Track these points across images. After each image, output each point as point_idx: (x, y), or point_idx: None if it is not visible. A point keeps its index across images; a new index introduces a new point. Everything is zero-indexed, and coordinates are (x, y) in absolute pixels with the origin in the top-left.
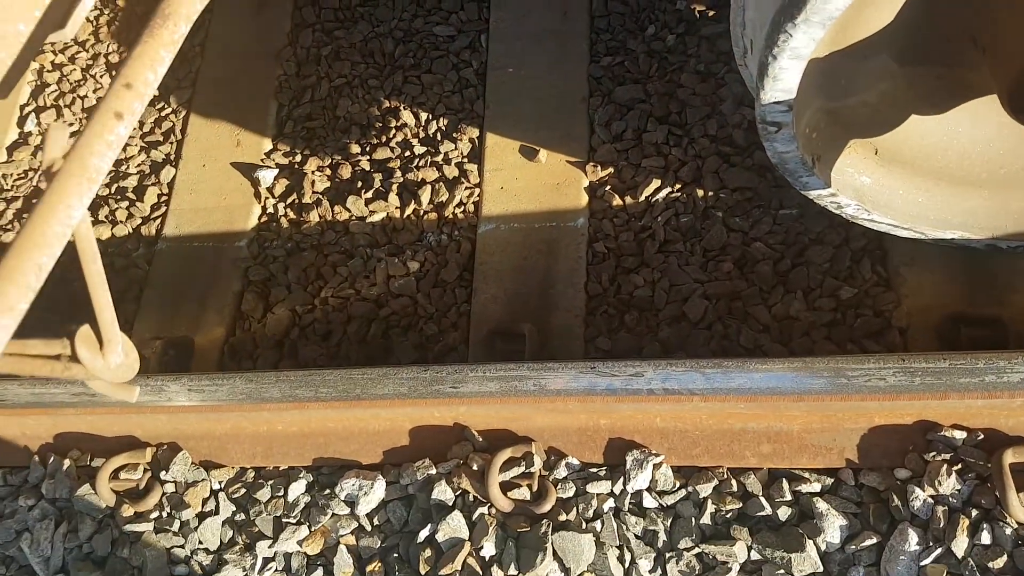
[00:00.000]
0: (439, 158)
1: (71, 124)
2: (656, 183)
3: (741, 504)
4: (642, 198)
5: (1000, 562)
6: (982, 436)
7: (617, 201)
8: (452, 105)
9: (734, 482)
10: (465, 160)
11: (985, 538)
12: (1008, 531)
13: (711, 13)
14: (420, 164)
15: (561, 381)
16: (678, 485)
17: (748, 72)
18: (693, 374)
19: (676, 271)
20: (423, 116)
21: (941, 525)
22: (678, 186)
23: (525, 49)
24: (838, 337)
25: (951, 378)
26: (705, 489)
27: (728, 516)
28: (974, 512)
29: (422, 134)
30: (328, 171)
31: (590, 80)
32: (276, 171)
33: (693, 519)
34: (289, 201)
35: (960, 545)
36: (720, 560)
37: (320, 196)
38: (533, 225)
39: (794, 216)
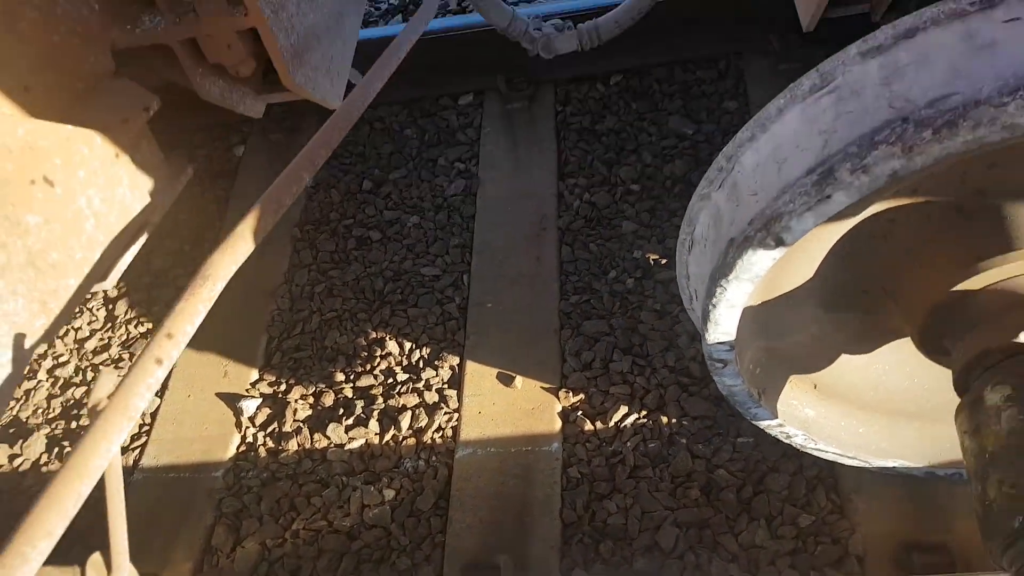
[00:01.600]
0: (420, 384)
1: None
2: (624, 409)
3: None
4: (611, 423)
5: None
6: None
7: (588, 426)
8: (435, 336)
9: None
10: (445, 386)
11: None
12: None
13: (663, 261)
14: (402, 390)
15: None
16: None
17: (695, 315)
18: None
19: (647, 498)
20: (407, 345)
21: None
22: (644, 412)
23: (503, 288)
24: (801, 566)
25: None
26: None
27: None
28: None
29: (405, 362)
30: (311, 399)
31: (560, 315)
32: (259, 400)
33: None
34: (269, 430)
35: None
36: None
37: (301, 424)
38: (509, 450)
39: (751, 444)
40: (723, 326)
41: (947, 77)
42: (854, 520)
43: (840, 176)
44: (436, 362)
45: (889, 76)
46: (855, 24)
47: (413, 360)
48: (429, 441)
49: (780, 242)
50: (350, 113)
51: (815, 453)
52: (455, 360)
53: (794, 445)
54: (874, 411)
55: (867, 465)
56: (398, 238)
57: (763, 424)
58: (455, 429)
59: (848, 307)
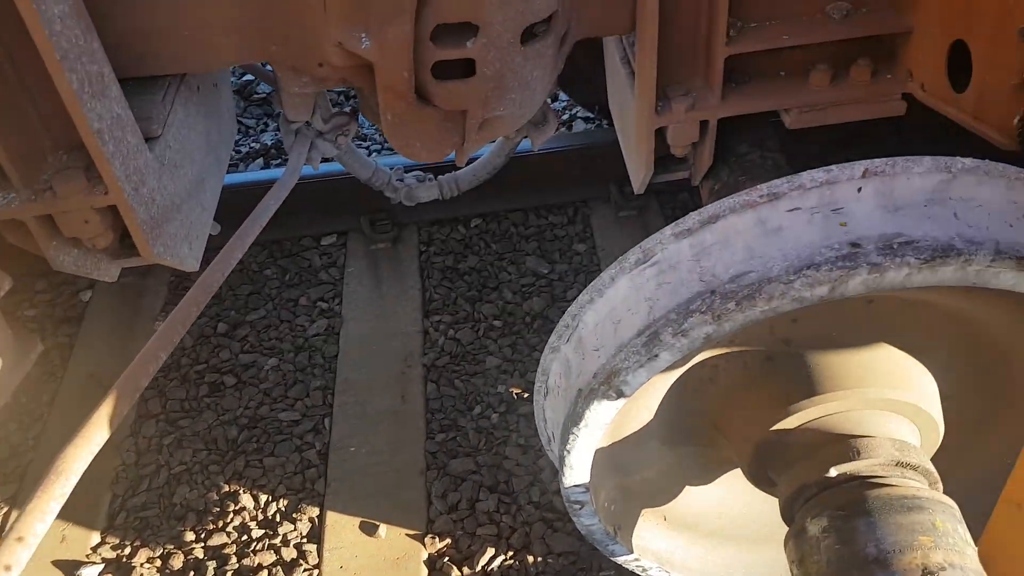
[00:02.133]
0: (277, 540)
1: None
2: (490, 551)
3: None
4: (478, 568)
5: None
6: None
7: (455, 573)
8: (293, 486)
9: None
10: (304, 540)
11: None
12: None
13: (525, 395)
14: (257, 548)
15: None
16: None
17: (554, 456)
18: None
19: None
20: (263, 498)
21: None
22: (511, 553)
23: (367, 429)
24: None
25: None
26: None
27: None
28: None
29: (261, 517)
30: (158, 562)
31: (427, 455)
32: (101, 567)
33: None
34: None
35: None
36: None
37: None
38: None
39: (611, 574)
40: (577, 470)
41: (745, 256)
42: None
43: (664, 339)
44: (294, 515)
45: (699, 254)
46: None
47: (269, 514)
48: None
49: (620, 394)
50: (208, 288)
51: None
52: (315, 511)
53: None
54: (720, 538)
55: None
56: (255, 382)
57: (620, 560)
58: None
59: (686, 442)
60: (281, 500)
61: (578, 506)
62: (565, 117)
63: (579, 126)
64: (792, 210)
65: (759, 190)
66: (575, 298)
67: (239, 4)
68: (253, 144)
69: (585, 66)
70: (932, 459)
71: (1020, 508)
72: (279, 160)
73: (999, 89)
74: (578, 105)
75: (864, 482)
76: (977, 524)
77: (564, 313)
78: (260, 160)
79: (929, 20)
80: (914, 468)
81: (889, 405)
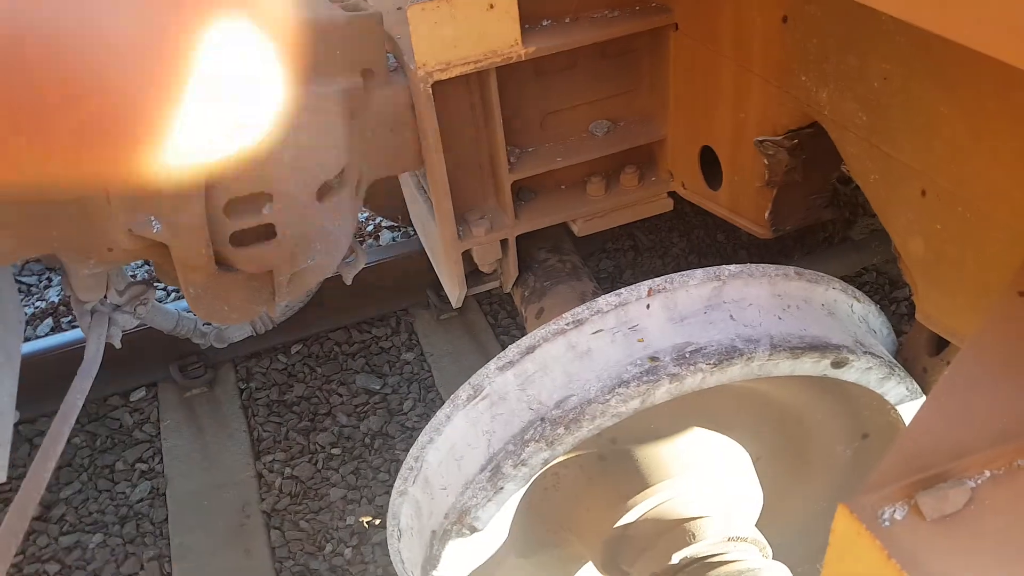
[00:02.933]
0: None
1: None
2: None
3: None
4: None
5: None
6: None
7: None
8: None
9: None
10: None
11: None
12: None
13: (376, 522)
14: None
15: None
16: None
17: None
18: None
19: None
20: None
21: None
22: None
23: None
24: None
25: None
26: None
27: None
28: None
29: None
30: None
31: None
32: None
33: None
34: None
35: None
36: None
37: None
38: None
39: None
40: None
41: (564, 381)
42: None
43: (506, 471)
44: None
45: (523, 383)
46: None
47: None
48: None
49: (473, 530)
50: (25, 510)
51: None
52: None
53: None
54: None
55: None
56: (81, 565)
57: None
58: None
59: (541, 549)
60: None
61: None
62: (370, 228)
63: (386, 236)
64: (596, 332)
65: (565, 318)
66: (412, 410)
67: (15, 204)
68: (39, 303)
69: (380, 184)
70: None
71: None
72: (69, 317)
73: (746, 189)
74: (379, 216)
75: (703, 563)
76: (795, 569)
77: (407, 454)
78: (49, 320)
79: (678, 130)
80: (744, 539)
81: (712, 484)
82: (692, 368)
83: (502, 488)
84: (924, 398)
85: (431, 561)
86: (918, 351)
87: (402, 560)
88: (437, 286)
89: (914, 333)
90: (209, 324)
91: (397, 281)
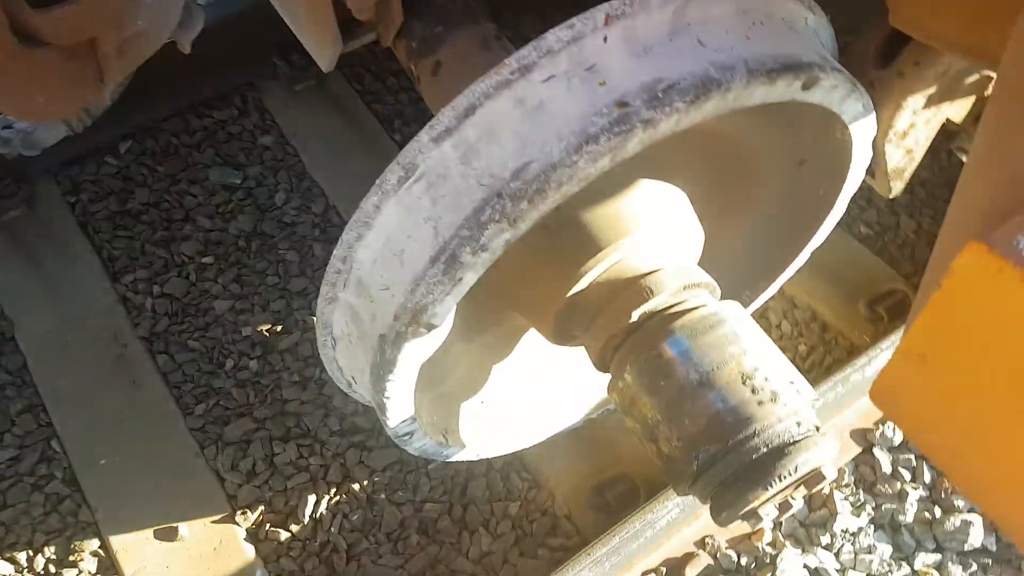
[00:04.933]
0: None
1: None
2: (311, 498)
3: None
4: (306, 519)
5: None
6: (665, 570)
7: (284, 534)
8: (52, 528)
9: None
10: None
11: None
12: None
13: (278, 328)
14: None
15: None
16: None
17: (363, 397)
18: None
19: (374, 569)
20: (21, 558)
21: None
22: (333, 490)
23: (108, 433)
24: (528, 549)
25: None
26: None
27: None
28: None
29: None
30: None
31: (193, 434)
32: None
33: None
34: None
35: None
36: None
37: None
38: None
39: (442, 465)
40: (401, 409)
41: (518, 145)
42: (549, 487)
43: (464, 259)
44: (71, 557)
45: (466, 155)
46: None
47: (38, 569)
48: None
49: (431, 327)
50: None
51: (506, 452)
52: (93, 543)
53: (483, 457)
54: (535, 397)
55: (540, 441)
56: None
57: (455, 458)
58: None
59: (485, 331)
60: (46, 549)
61: (407, 437)
62: None
63: None
64: (548, 80)
65: (507, 65)
66: (287, 203)
67: None
68: None
69: None
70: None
71: (923, 359)
72: None
73: None
74: None
75: (663, 316)
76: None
77: (328, 254)
78: None
79: None
80: (698, 285)
81: (661, 235)
82: (667, 110)
83: (461, 279)
84: (874, 113)
85: (384, 366)
86: (865, 64)
87: (339, 368)
88: (285, 49)
89: (862, 44)
90: (11, 128)
91: (233, 49)
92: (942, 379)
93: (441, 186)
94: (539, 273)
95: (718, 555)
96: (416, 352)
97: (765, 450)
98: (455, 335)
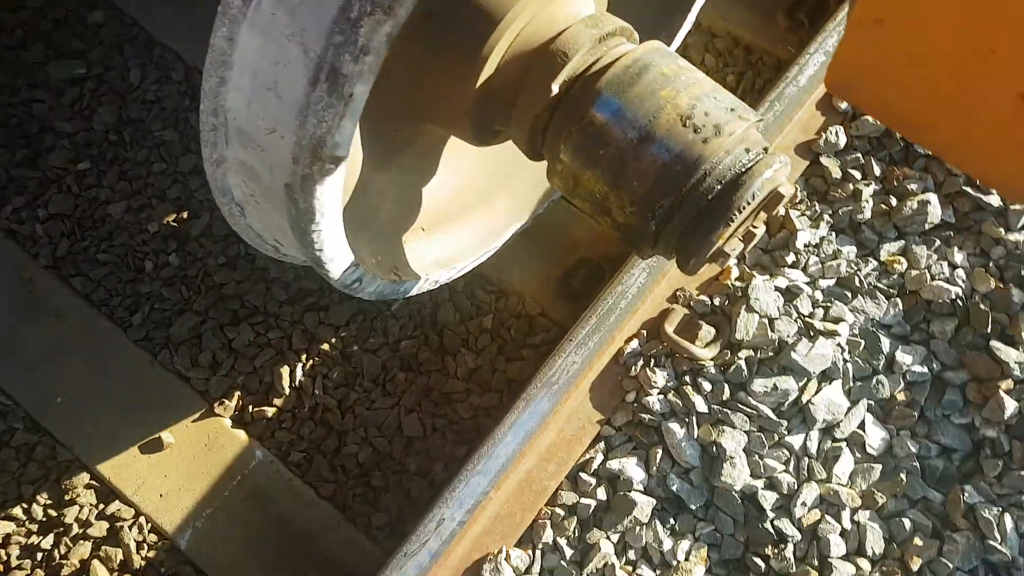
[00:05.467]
0: (76, 528)
1: None
2: (285, 370)
3: None
4: (287, 390)
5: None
6: (646, 332)
7: (269, 410)
8: (33, 477)
9: None
10: (101, 506)
11: (706, 386)
12: (713, 370)
13: (184, 215)
14: (63, 552)
15: None
16: None
17: (295, 258)
18: (477, 479)
19: (371, 416)
20: (18, 512)
21: (681, 404)
22: (304, 356)
23: (53, 370)
24: (512, 354)
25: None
26: None
27: None
28: (687, 378)
29: (35, 526)
30: None
31: (139, 344)
32: None
33: None
34: None
35: (700, 403)
36: None
37: None
38: (223, 495)
39: (402, 303)
40: (339, 258)
41: None
42: (516, 292)
43: (346, 70)
44: (66, 496)
45: None
46: None
47: (38, 516)
48: (143, 563)
49: (338, 160)
50: None
51: (465, 272)
52: (83, 478)
53: (442, 283)
54: (475, 207)
55: (496, 249)
56: None
57: (415, 292)
58: (156, 530)
59: (397, 152)
60: (38, 497)
61: (356, 285)
62: None
63: None
64: None
65: None
66: (144, 80)
67: None
68: None
69: None
70: None
71: (879, 24)
72: None
73: None
74: None
75: (586, 79)
76: None
77: (198, 116)
78: None
79: None
80: (614, 34)
81: None
82: None
83: (351, 95)
84: None
85: (302, 218)
86: None
87: (257, 235)
88: None
89: None
90: None
91: None
92: (900, 39)
93: None
94: (437, 70)
95: (692, 304)
96: (331, 192)
97: (719, 187)
98: (368, 165)
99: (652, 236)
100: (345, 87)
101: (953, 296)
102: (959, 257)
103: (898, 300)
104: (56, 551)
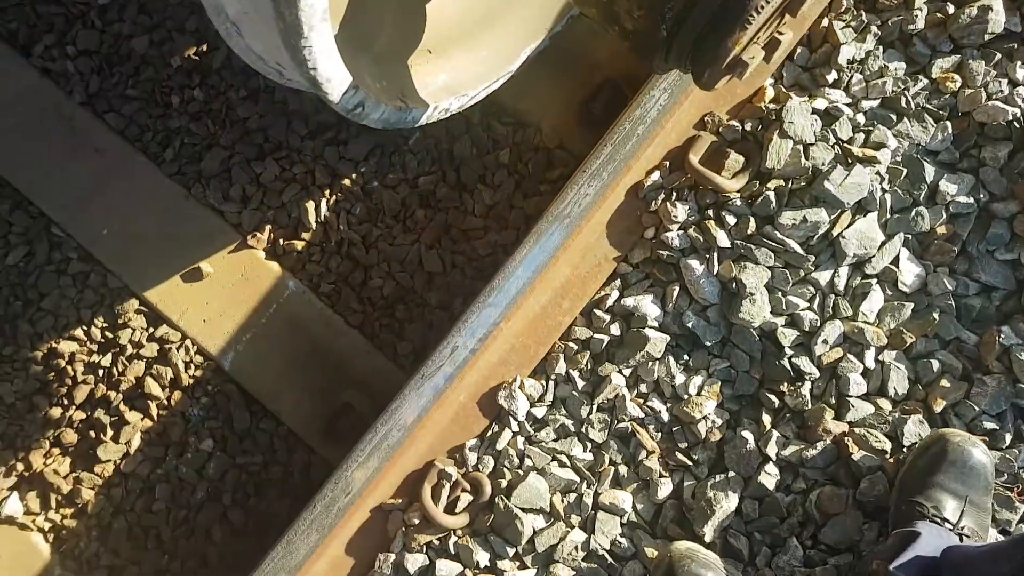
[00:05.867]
0: (130, 349)
1: None
2: (310, 204)
3: None
4: (313, 224)
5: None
6: (668, 163)
7: (298, 243)
8: (88, 303)
9: None
10: (151, 329)
11: (730, 220)
12: (738, 203)
13: (204, 48)
14: (120, 370)
15: (411, 409)
16: None
17: (300, 84)
18: (488, 311)
19: (393, 250)
20: (79, 334)
21: (703, 239)
22: (327, 192)
23: (98, 203)
24: (529, 189)
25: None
26: None
27: None
28: (710, 212)
29: (94, 347)
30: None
31: (173, 178)
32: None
33: None
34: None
35: (722, 238)
36: None
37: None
38: (261, 321)
39: (418, 137)
40: (336, 77)
41: None
42: (534, 122)
43: None
44: (119, 320)
45: None
46: None
47: (97, 338)
48: (191, 381)
49: None
50: None
51: (476, 102)
52: (132, 303)
53: (453, 112)
54: (486, 26)
55: (511, 74)
56: None
57: (423, 121)
58: (202, 351)
59: None
60: (96, 321)
61: (359, 109)
62: None
63: None
64: None
65: None
66: None
67: None
68: None
69: None
70: None
71: None
72: None
73: None
74: None
75: None
76: None
77: None
78: None
79: None
80: None
81: None
82: None
83: None
84: None
85: (292, 32)
86: None
87: (259, 57)
88: None
89: None
90: None
91: None
92: None
93: None
94: None
95: (721, 130)
96: (316, 2)
97: None
98: None
99: (664, 44)
100: None
101: (1010, 117)
102: (1021, 73)
103: (948, 123)
104: (115, 368)
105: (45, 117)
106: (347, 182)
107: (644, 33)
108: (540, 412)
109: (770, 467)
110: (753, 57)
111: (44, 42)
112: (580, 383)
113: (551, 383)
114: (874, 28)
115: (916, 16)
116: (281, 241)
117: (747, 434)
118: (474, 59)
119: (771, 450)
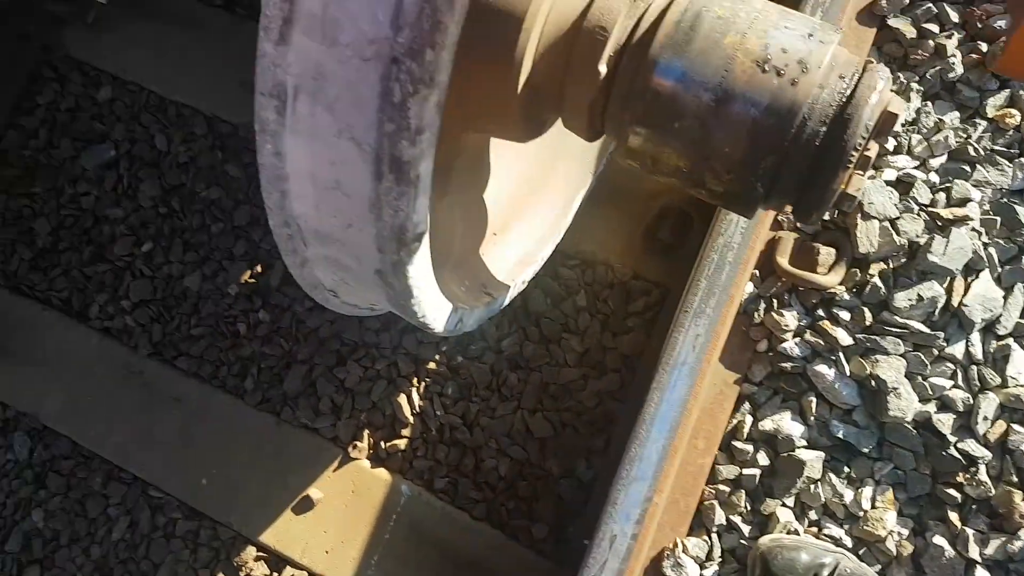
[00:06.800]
0: None
1: None
2: (402, 397)
3: None
4: (410, 417)
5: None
6: (758, 270)
7: (400, 442)
8: (207, 560)
9: None
10: (275, 574)
11: (844, 316)
12: (846, 296)
13: (259, 269)
14: None
15: None
16: None
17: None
18: (636, 486)
19: (496, 423)
20: None
21: (823, 342)
22: (414, 379)
23: (190, 455)
24: (617, 327)
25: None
26: None
27: None
28: (820, 312)
29: None
30: None
31: (263, 407)
32: None
33: None
34: None
35: (843, 336)
36: None
37: None
38: (384, 538)
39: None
40: (441, 315)
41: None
42: (602, 259)
43: (407, 156)
44: (241, 572)
45: (325, 33)
46: None
47: None
48: None
49: (422, 236)
50: None
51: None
52: (250, 551)
53: (529, 280)
54: (536, 192)
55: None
56: None
57: (508, 300)
58: None
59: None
60: None
61: (459, 325)
62: None
63: None
64: None
65: None
66: (171, 143)
67: None
68: None
69: None
70: None
71: None
72: None
73: None
74: None
75: (634, 48)
76: None
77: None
78: None
79: None
80: None
81: None
82: None
83: (418, 176)
84: None
85: (401, 297)
86: None
87: (355, 305)
88: None
89: None
90: None
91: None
92: None
93: (326, 88)
94: (476, 85)
95: (799, 224)
96: (422, 266)
97: (825, 129)
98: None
99: (762, 197)
100: (411, 171)
101: None
102: None
103: (1022, 159)
104: None
105: (116, 378)
106: (432, 365)
107: (737, 193)
108: (711, 572)
109: (979, 572)
110: (859, 189)
111: (98, 302)
112: (745, 528)
113: (714, 536)
114: (914, 85)
115: (952, 63)
116: (383, 444)
117: (940, 540)
118: (534, 225)
119: (972, 552)
